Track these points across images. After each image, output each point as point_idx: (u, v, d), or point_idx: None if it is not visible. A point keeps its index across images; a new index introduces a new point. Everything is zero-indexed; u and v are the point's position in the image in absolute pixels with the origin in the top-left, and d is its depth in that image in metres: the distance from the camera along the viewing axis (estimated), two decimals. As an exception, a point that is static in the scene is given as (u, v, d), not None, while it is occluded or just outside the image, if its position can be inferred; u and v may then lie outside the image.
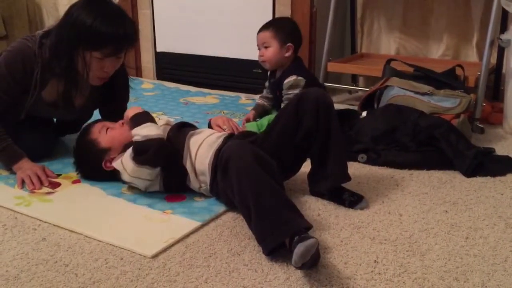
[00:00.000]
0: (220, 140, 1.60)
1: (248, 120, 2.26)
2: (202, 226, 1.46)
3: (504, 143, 2.16)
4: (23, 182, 1.72)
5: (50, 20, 3.78)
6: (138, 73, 3.48)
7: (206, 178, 1.57)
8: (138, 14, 3.37)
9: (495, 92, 2.71)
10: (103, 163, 1.67)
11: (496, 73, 2.67)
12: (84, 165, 1.75)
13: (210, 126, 1.86)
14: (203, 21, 3.16)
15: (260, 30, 2.24)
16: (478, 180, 1.77)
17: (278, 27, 2.21)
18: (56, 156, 1.98)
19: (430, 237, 1.39)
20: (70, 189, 1.71)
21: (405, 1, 2.91)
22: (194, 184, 1.60)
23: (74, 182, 1.76)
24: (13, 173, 1.79)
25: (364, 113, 2.17)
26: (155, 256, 1.30)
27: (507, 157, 1.95)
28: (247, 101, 2.87)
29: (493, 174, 1.80)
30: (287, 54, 2.21)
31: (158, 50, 3.41)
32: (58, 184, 1.74)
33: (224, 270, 1.24)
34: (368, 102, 2.32)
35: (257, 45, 2.25)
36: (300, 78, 2.15)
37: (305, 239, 1.17)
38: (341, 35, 3.12)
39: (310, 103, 1.53)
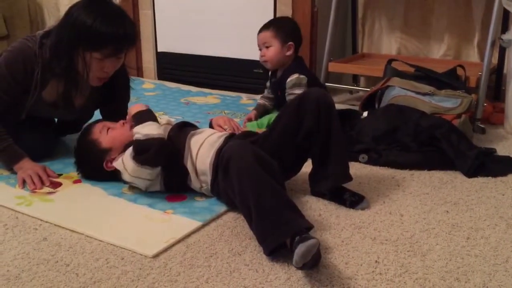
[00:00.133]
0: (221, 140, 1.60)
1: (249, 120, 2.27)
2: (203, 226, 1.46)
3: (506, 143, 2.16)
4: (24, 181, 1.73)
5: (51, 20, 3.78)
6: (139, 73, 3.48)
7: (207, 178, 1.57)
8: (139, 14, 3.37)
9: (496, 92, 2.71)
10: (104, 164, 1.67)
11: (497, 73, 2.67)
12: (85, 165, 1.75)
13: (211, 126, 1.86)
14: (205, 21, 3.16)
15: (261, 30, 2.24)
16: (479, 181, 1.77)
17: (279, 26, 2.22)
18: (57, 156, 1.98)
19: (431, 238, 1.39)
20: (71, 189, 1.71)
21: (406, 1, 2.91)
22: (195, 184, 1.60)
23: (75, 182, 1.76)
24: (14, 173, 1.79)
25: (365, 113, 2.17)
26: (156, 256, 1.30)
27: (508, 157, 1.95)
28: (248, 101, 2.87)
29: (495, 175, 1.80)
30: (288, 53, 2.21)
31: (159, 50, 3.41)
32: (59, 184, 1.74)
33: (225, 270, 1.24)
34: (369, 102, 2.32)
35: (258, 45, 2.25)
36: (302, 76, 2.15)
37: (306, 239, 1.17)
38: (342, 35, 3.12)
39: (311, 103, 1.53)
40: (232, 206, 1.53)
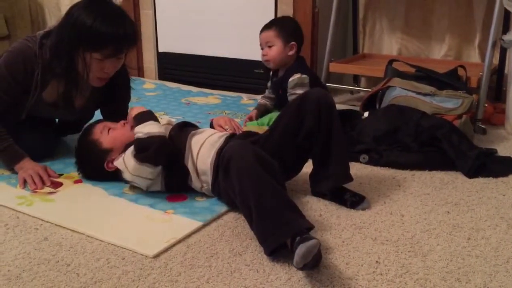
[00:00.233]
0: (222, 140, 1.60)
1: (250, 119, 2.27)
2: (204, 226, 1.45)
3: (506, 144, 2.16)
4: (25, 181, 1.73)
5: (53, 20, 3.79)
6: (140, 73, 3.48)
7: (208, 178, 1.57)
8: (140, 14, 3.37)
9: (497, 92, 2.71)
10: (105, 164, 1.67)
11: (498, 74, 2.67)
12: (85, 165, 1.75)
13: (212, 126, 1.86)
14: (205, 21, 3.16)
15: (263, 30, 2.24)
16: (480, 181, 1.77)
17: (281, 26, 2.22)
18: (58, 156, 1.98)
19: (432, 238, 1.39)
20: (72, 189, 1.72)
21: (407, 2, 2.91)
22: (195, 184, 1.60)
23: (76, 182, 1.76)
24: (15, 173, 1.79)
25: (366, 114, 2.17)
26: (157, 256, 1.30)
27: (509, 158, 1.95)
28: (249, 101, 2.87)
29: (495, 175, 1.80)
30: (290, 53, 2.21)
31: (160, 50, 3.41)
32: (60, 184, 1.74)
33: (225, 270, 1.24)
34: (370, 102, 2.32)
35: (260, 45, 2.25)
36: (304, 76, 2.15)
37: (306, 239, 1.17)
38: (343, 35, 3.12)
39: (312, 104, 1.53)
40: (232, 206, 1.53)
